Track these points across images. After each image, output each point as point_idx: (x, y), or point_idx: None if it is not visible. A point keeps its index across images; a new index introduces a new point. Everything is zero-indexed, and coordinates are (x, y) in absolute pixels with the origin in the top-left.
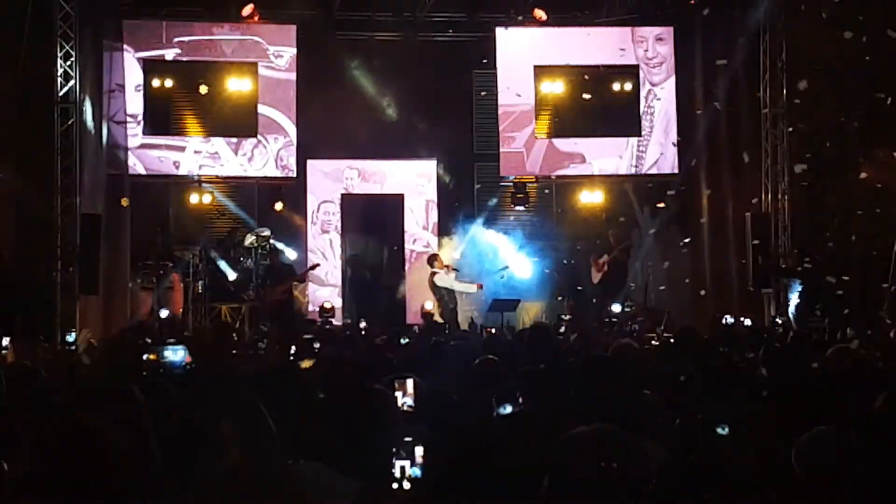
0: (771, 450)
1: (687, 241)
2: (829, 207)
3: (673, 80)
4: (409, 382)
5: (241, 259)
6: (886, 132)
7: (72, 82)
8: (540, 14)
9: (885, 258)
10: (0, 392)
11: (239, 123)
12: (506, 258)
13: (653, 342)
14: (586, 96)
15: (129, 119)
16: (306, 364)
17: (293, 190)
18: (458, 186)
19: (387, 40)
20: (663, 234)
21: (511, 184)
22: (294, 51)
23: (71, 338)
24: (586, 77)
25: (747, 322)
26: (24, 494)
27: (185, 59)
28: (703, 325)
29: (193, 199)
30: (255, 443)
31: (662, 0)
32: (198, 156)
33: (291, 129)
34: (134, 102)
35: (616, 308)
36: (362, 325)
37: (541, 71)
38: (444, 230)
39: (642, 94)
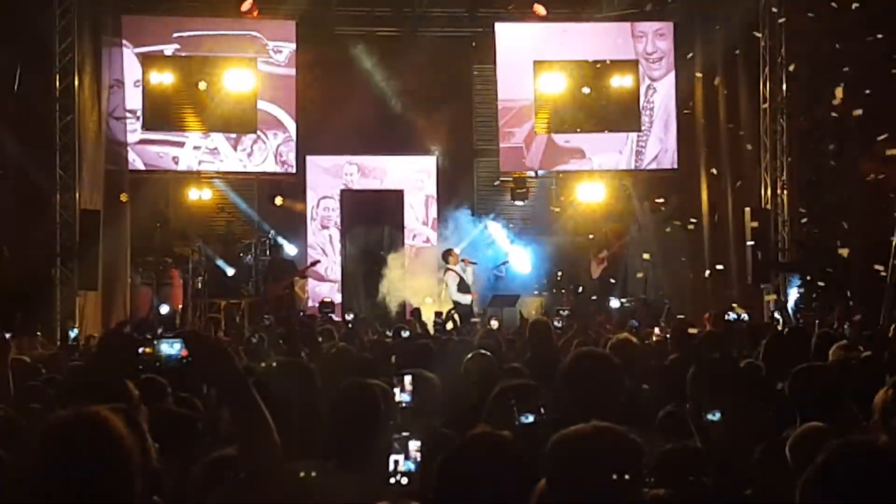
0: (766, 442)
1: (693, 222)
2: (828, 202)
3: (673, 75)
4: (408, 378)
5: (241, 255)
6: (886, 127)
7: (71, 78)
8: (539, 9)
9: (884, 253)
10: (7, 390)
11: (238, 119)
12: (505, 253)
13: (653, 337)
14: (586, 91)
15: (128, 114)
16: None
17: (293, 186)
18: (458, 182)
19: (386, 35)
20: (663, 229)
21: (511, 179)
22: (293, 46)
23: (73, 334)
24: (586, 72)
25: (745, 317)
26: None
27: (184, 54)
28: (701, 319)
29: (193, 194)
30: (252, 438)
31: None
32: (197, 151)
33: (291, 125)
34: (133, 98)
35: (615, 303)
36: (350, 317)
37: (540, 66)
38: (443, 226)
39: (642, 89)
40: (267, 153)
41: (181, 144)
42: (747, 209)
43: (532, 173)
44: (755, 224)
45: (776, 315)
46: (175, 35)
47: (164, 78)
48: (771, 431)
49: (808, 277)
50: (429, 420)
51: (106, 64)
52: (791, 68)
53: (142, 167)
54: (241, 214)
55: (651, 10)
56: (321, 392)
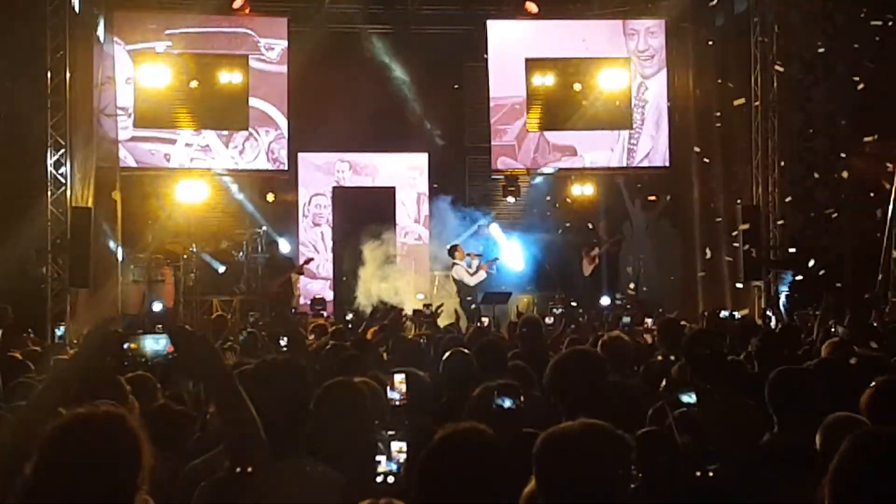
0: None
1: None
2: (819, 199)
3: (664, 72)
4: (398, 377)
5: (233, 252)
6: (876, 124)
7: (62, 75)
8: (531, 7)
9: (875, 249)
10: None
11: (230, 116)
12: (496, 250)
13: (644, 335)
14: (577, 89)
15: (119, 112)
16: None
17: (285, 183)
18: (450, 179)
19: (379, 33)
20: (654, 227)
21: (502, 176)
22: (285, 43)
23: (59, 332)
24: (577, 69)
25: (737, 314)
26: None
27: (175, 51)
28: (693, 317)
29: (184, 191)
30: (238, 435)
31: None
32: (189, 149)
33: (283, 122)
34: (124, 95)
35: (605, 301)
36: (349, 317)
37: (532, 64)
38: (435, 223)
39: (634, 86)
40: (259, 150)
41: (173, 142)
42: (739, 207)
43: (524, 170)
44: (746, 226)
45: (768, 313)
46: (167, 32)
47: (155, 75)
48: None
49: (800, 275)
50: (421, 419)
51: (97, 61)
52: (782, 67)
53: (133, 164)
54: (233, 212)
55: (643, 7)
56: (309, 389)
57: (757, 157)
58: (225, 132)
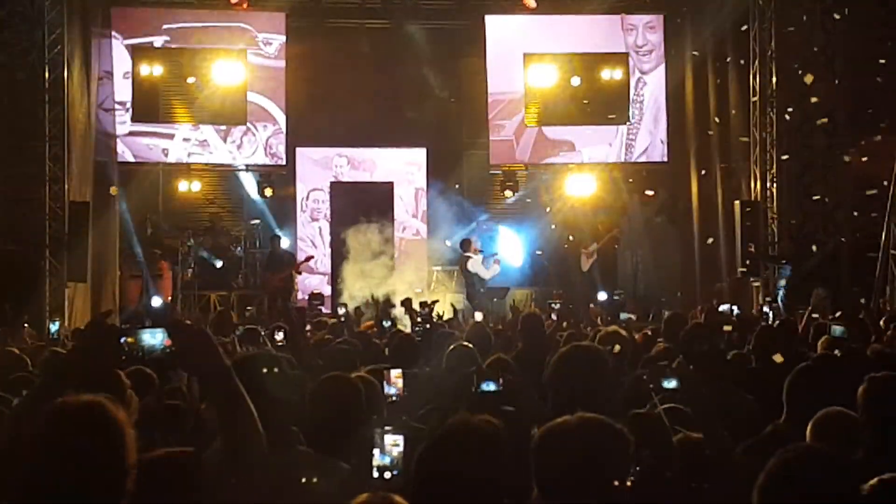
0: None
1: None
2: (817, 195)
3: (663, 67)
4: (395, 372)
5: (231, 247)
6: (875, 120)
7: (60, 69)
8: (529, 2)
9: (873, 246)
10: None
11: (228, 111)
12: (495, 246)
13: (643, 331)
14: (576, 84)
15: (117, 106)
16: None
17: (282, 178)
18: (448, 174)
19: (376, 28)
20: (652, 222)
21: (500, 172)
22: (283, 38)
23: (54, 327)
24: (576, 65)
25: (735, 309)
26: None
27: (173, 46)
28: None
29: (182, 186)
30: (236, 429)
31: None
32: (186, 143)
33: (281, 117)
34: (122, 90)
35: (602, 296)
36: (341, 311)
37: (530, 59)
38: (432, 218)
39: (632, 82)
40: (257, 145)
41: (171, 136)
42: (737, 202)
43: (522, 166)
44: (748, 223)
45: (765, 308)
46: (165, 27)
47: (153, 70)
48: (757, 422)
49: (798, 271)
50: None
51: (95, 55)
52: (781, 62)
53: (131, 159)
54: (230, 207)
55: (641, 2)
56: (303, 384)
57: (755, 152)
58: (223, 127)
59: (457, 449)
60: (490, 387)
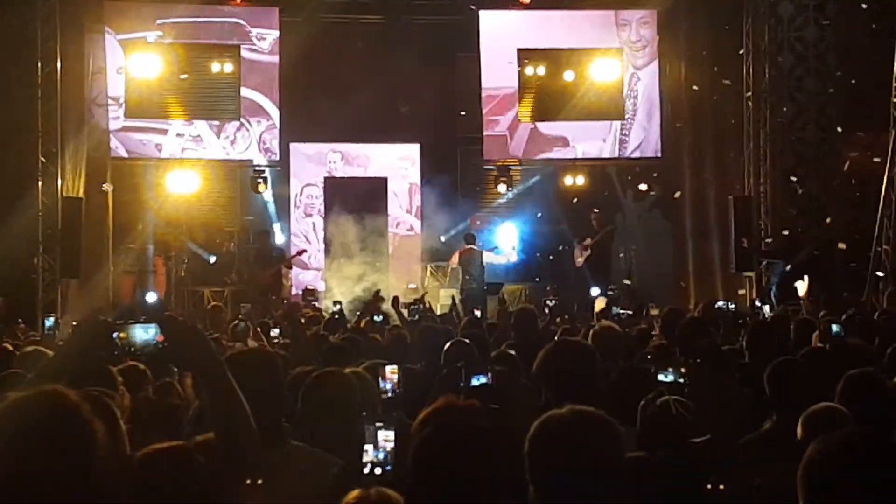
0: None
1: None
2: (811, 190)
3: (656, 63)
4: (390, 368)
5: (224, 243)
6: (868, 116)
7: (53, 65)
8: None
9: (866, 240)
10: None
11: (221, 106)
12: (493, 241)
13: (635, 326)
14: (570, 79)
15: (110, 102)
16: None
17: (276, 173)
18: (442, 170)
19: (370, 23)
20: (646, 218)
21: (494, 167)
22: (277, 33)
23: (49, 322)
24: (570, 60)
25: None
26: None
27: (167, 41)
28: (686, 307)
29: (175, 182)
30: (229, 423)
31: None
32: (180, 139)
33: (274, 113)
34: (115, 85)
35: (596, 291)
36: (335, 308)
37: (524, 54)
38: (426, 214)
39: (626, 77)
40: (250, 141)
41: (164, 132)
42: (730, 197)
43: (516, 161)
44: (741, 218)
45: (758, 303)
46: (158, 22)
47: (146, 65)
48: (750, 417)
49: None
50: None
51: (88, 51)
52: (774, 57)
53: (124, 154)
54: (224, 202)
55: None
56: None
57: (749, 147)
58: (216, 122)
59: (453, 442)
60: (480, 380)
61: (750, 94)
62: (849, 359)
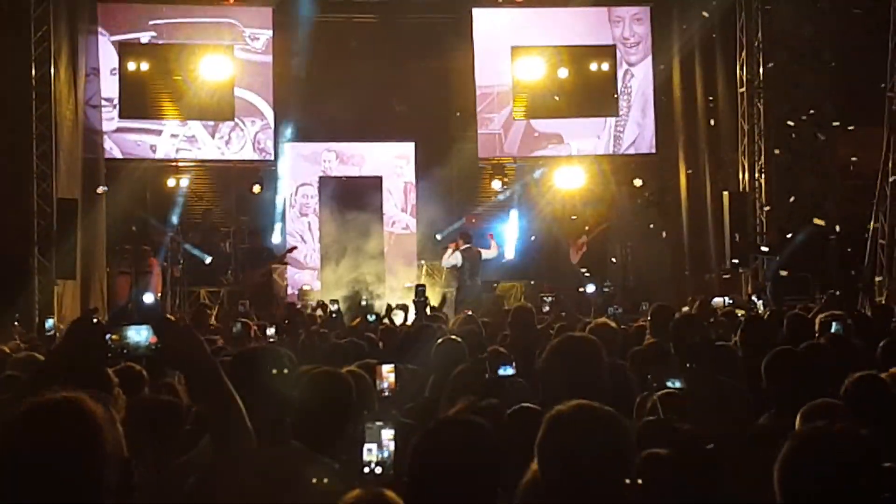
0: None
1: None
2: (806, 186)
3: (650, 59)
4: (387, 367)
5: (219, 243)
6: (863, 111)
7: (47, 66)
8: None
9: (861, 236)
10: None
11: (216, 107)
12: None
13: (632, 324)
14: (563, 76)
15: (104, 103)
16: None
17: (271, 173)
18: (437, 168)
19: (364, 22)
20: (642, 215)
21: (489, 165)
22: (270, 33)
23: (49, 323)
24: (563, 57)
25: (728, 301)
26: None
27: (160, 42)
28: (681, 304)
29: (170, 182)
30: (224, 425)
31: None
32: (175, 139)
33: (269, 112)
34: (109, 86)
35: (591, 288)
36: (334, 307)
37: (518, 52)
38: (422, 212)
39: (619, 74)
40: (245, 141)
41: (158, 133)
42: (726, 193)
43: (510, 159)
44: (737, 214)
45: (753, 298)
46: (151, 23)
47: (140, 66)
48: (748, 413)
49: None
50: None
51: (82, 52)
52: (768, 53)
53: (119, 155)
54: (219, 202)
55: None
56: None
57: (743, 143)
58: (211, 123)
59: (450, 442)
60: (507, 371)
61: (744, 89)
62: (850, 356)
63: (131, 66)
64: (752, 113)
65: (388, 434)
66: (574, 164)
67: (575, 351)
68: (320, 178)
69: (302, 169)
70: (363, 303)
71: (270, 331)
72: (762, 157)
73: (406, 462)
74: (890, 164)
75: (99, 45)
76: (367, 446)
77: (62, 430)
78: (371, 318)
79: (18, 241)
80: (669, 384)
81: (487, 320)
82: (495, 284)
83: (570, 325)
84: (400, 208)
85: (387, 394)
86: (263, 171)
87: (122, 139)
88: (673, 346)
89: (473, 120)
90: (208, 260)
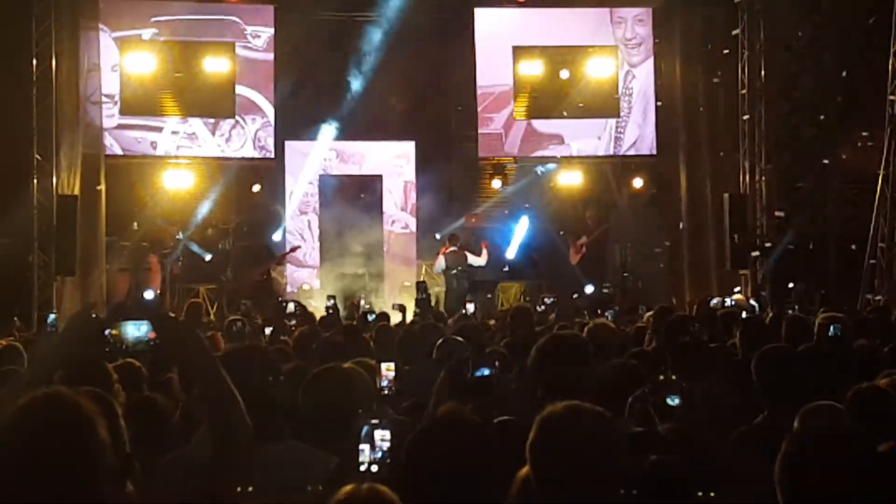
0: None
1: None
2: (806, 188)
3: (651, 60)
4: (386, 365)
5: (219, 241)
6: (863, 114)
7: (48, 62)
8: None
9: (861, 239)
10: None
11: (216, 104)
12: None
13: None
14: (565, 77)
15: (105, 99)
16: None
17: (271, 171)
18: (437, 167)
19: (365, 20)
20: (641, 216)
21: (490, 165)
22: (271, 31)
23: (51, 318)
24: (565, 58)
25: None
26: None
27: (162, 38)
28: (680, 306)
29: (171, 179)
30: (223, 420)
31: None
32: (175, 136)
33: (269, 110)
34: (110, 82)
35: (589, 289)
36: (330, 303)
37: (519, 52)
38: (422, 211)
39: (621, 75)
40: (245, 138)
41: (159, 129)
42: (726, 195)
43: (511, 159)
44: (736, 216)
45: (752, 301)
46: (153, 19)
47: (141, 62)
48: (743, 414)
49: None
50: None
51: (83, 48)
52: (770, 55)
53: (119, 152)
54: (219, 200)
55: None
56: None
57: (744, 145)
58: (211, 120)
59: (445, 439)
60: (484, 372)
61: (745, 91)
62: (848, 360)
63: (133, 62)
64: (754, 115)
65: (381, 434)
66: (574, 164)
67: (562, 350)
68: (320, 176)
69: (302, 167)
70: (360, 303)
71: (268, 329)
72: (762, 158)
73: (402, 460)
74: (891, 167)
75: (100, 41)
76: (363, 445)
77: (52, 427)
78: (371, 317)
79: (18, 236)
80: (669, 401)
81: (491, 322)
82: (496, 284)
83: (569, 325)
84: (400, 207)
85: (387, 392)
86: (263, 172)
87: (122, 136)
88: (665, 345)
89: (474, 119)
90: (208, 257)
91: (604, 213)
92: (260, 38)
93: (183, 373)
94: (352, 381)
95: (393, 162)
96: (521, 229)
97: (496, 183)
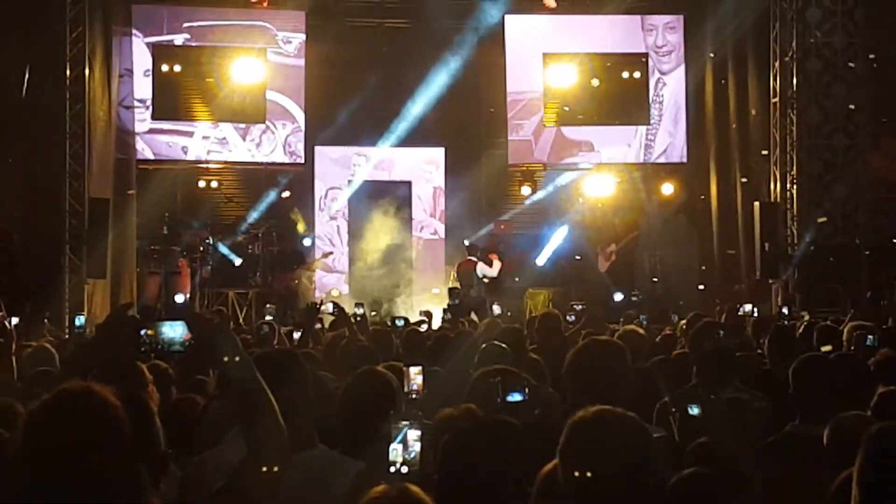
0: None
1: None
2: (837, 197)
3: (682, 68)
4: (414, 370)
5: (249, 245)
6: (895, 122)
7: (81, 67)
8: (549, 1)
9: (892, 247)
10: (12, 376)
11: (247, 109)
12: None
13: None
14: (595, 84)
15: (137, 104)
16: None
17: (301, 176)
18: (466, 174)
19: (395, 27)
20: (672, 223)
21: (519, 171)
22: (303, 37)
23: (79, 321)
24: (595, 65)
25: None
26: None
27: (194, 44)
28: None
29: (201, 184)
30: (259, 423)
31: None
32: (206, 141)
33: (300, 116)
34: (143, 87)
35: (619, 297)
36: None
37: (550, 58)
38: (450, 218)
39: (651, 82)
40: (276, 143)
41: (190, 134)
42: (757, 203)
43: (540, 165)
44: (767, 224)
45: (784, 310)
46: (185, 25)
47: (173, 67)
48: (770, 422)
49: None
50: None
51: (116, 53)
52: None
53: (151, 157)
54: (249, 204)
55: (661, 2)
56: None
57: (775, 153)
58: (242, 125)
59: (481, 442)
60: (516, 397)
61: (777, 99)
62: (885, 370)
63: (164, 67)
64: (785, 123)
65: (413, 434)
66: (604, 171)
67: (598, 355)
68: (350, 181)
69: (332, 172)
70: (386, 309)
71: (297, 334)
72: (794, 167)
73: (433, 461)
74: None
75: (133, 46)
76: (392, 446)
77: (78, 418)
78: (400, 322)
79: (50, 239)
80: (690, 410)
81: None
82: (525, 291)
83: (598, 332)
84: (429, 213)
85: (415, 396)
86: (293, 176)
87: (154, 140)
88: (689, 352)
89: (504, 126)
90: (238, 262)
91: (633, 220)
92: (291, 43)
93: (219, 375)
94: (391, 385)
95: (422, 168)
96: (557, 238)
97: (525, 189)
